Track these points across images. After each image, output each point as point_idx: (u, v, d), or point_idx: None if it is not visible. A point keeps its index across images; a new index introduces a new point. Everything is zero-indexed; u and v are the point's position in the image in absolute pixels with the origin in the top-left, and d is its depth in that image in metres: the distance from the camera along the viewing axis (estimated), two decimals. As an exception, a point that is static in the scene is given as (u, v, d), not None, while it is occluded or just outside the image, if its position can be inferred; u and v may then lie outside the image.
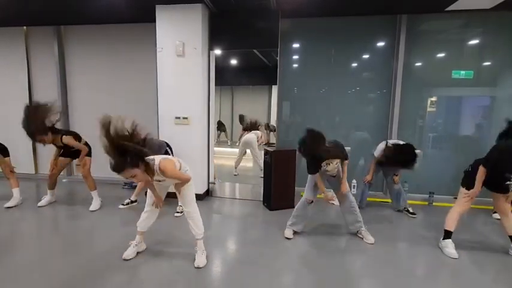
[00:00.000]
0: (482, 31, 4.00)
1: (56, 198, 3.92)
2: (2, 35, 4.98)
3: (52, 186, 3.81)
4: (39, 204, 3.74)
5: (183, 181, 2.20)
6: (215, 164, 4.54)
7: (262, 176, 3.98)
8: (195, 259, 2.42)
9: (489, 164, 2.49)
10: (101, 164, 3.74)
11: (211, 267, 2.42)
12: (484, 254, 2.70)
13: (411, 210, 3.65)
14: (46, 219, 3.49)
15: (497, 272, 2.44)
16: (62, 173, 4.86)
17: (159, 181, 2.14)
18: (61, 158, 3.70)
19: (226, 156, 5.09)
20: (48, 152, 5.10)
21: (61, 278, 2.22)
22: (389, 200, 3.92)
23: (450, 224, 2.70)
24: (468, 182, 2.65)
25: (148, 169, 1.88)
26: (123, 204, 3.73)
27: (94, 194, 3.73)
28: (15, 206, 3.71)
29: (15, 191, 3.75)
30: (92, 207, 3.65)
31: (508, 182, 2.47)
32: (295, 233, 3.01)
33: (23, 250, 2.69)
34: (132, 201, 3.77)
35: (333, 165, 2.62)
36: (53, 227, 3.35)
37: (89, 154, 3.70)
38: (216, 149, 4.60)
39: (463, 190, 2.69)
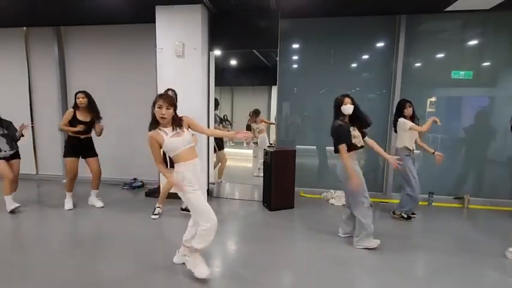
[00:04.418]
0: (482, 31, 4.00)
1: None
2: (1, 35, 4.99)
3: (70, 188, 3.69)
4: (67, 207, 3.63)
5: (204, 131, 2.57)
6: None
7: (256, 174, 3.91)
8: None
9: None
10: (102, 164, 3.76)
11: (211, 268, 2.42)
12: (483, 254, 2.71)
13: (405, 216, 3.50)
14: (48, 221, 3.50)
15: (495, 273, 2.45)
16: (60, 174, 4.91)
17: (178, 133, 2.31)
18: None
19: (229, 157, 5.00)
20: (48, 151, 5.14)
21: (61, 281, 2.24)
22: (387, 201, 3.94)
23: None
24: None
25: (176, 118, 2.35)
26: (154, 214, 3.43)
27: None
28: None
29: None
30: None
31: None
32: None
33: (30, 251, 2.69)
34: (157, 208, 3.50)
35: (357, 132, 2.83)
36: (57, 230, 3.36)
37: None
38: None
39: None
